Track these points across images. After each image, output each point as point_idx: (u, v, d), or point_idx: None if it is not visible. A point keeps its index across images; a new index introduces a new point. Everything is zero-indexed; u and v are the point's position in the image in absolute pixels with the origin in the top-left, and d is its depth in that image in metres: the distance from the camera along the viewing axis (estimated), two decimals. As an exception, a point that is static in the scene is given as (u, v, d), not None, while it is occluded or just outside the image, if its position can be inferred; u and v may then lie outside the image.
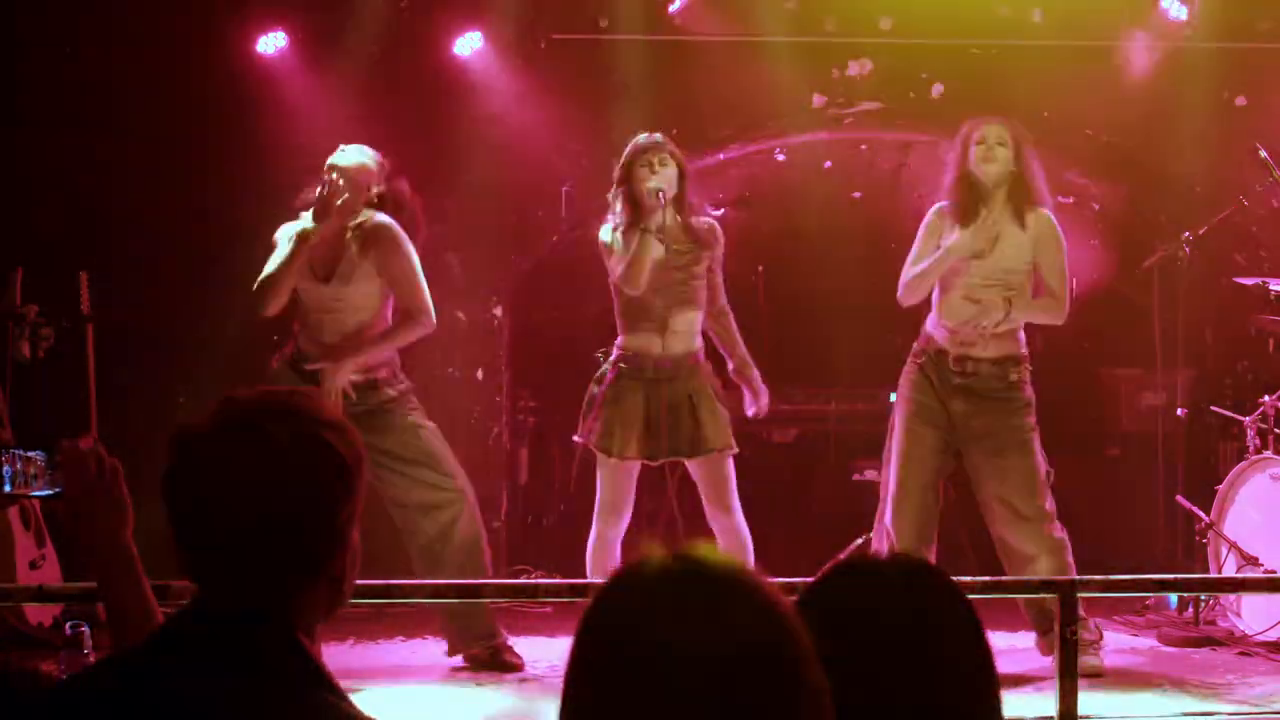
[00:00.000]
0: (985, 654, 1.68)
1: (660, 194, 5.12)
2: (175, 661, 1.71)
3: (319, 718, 1.67)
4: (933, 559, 5.35)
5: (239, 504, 1.73)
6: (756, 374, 5.44)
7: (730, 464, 5.28)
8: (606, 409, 5.21)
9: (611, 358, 5.30)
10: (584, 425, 5.28)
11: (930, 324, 5.47)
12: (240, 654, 1.70)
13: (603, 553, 5.24)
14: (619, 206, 5.28)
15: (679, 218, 5.24)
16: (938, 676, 1.64)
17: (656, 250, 5.14)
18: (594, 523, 5.30)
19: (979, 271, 5.31)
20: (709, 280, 5.36)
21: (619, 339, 5.32)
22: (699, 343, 5.32)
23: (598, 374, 5.33)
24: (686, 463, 5.31)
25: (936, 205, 5.47)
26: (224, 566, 1.75)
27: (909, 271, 5.40)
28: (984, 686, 1.67)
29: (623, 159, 5.30)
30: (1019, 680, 5.09)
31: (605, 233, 5.31)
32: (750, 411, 5.43)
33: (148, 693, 1.68)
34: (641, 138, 5.30)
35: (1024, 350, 5.40)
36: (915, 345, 5.50)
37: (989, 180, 5.32)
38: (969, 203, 5.34)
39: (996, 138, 5.32)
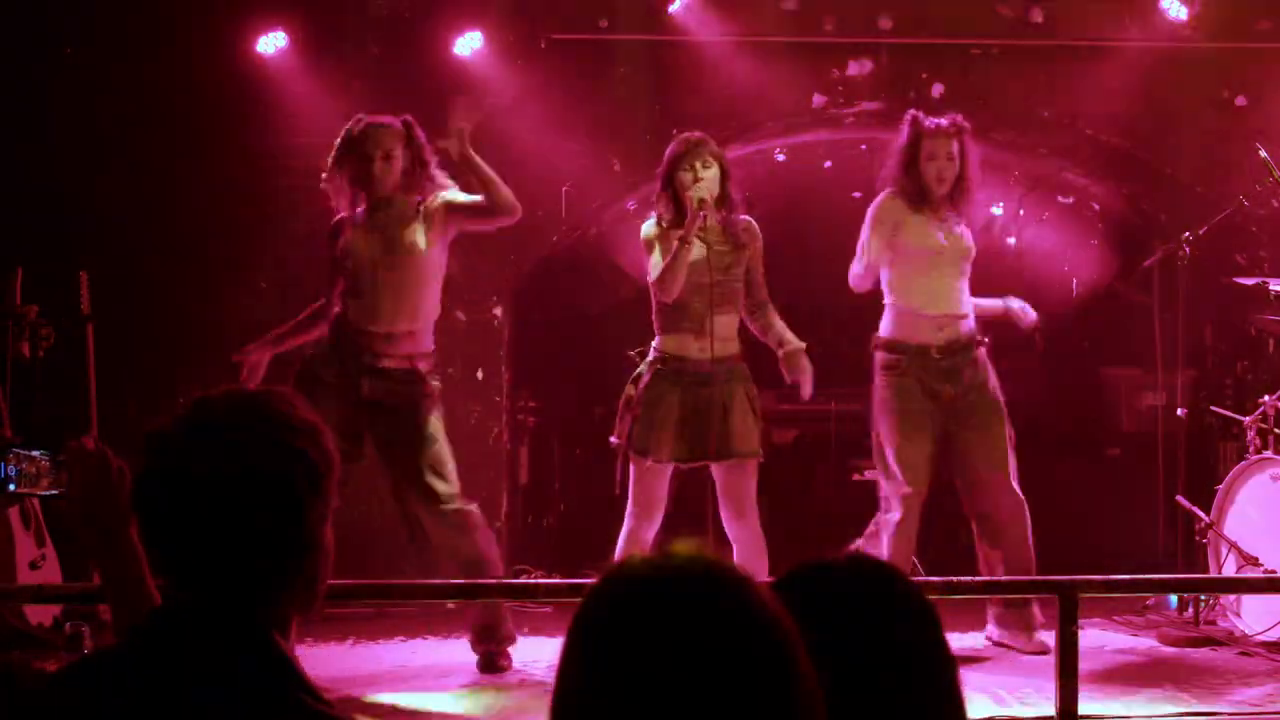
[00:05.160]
0: (945, 653, 1.66)
1: (703, 204, 5.06)
2: (147, 661, 1.71)
3: (291, 716, 1.67)
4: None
5: (206, 506, 1.73)
6: (805, 359, 5.25)
7: (753, 472, 5.22)
8: (644, 410, 5.14)
9: (649, 358, 5.23)
10: (620, 426, 5.22)
11: (895, 326, 5.51)
12: (211, 653, 1.70)
13: (634, 551, 5.18)
14: (662, 208, 5.24)
15: (720, 218, 5.19)
16: (898, 675, 1.62)
17: (696, 255, 5.12)
18: (626, 521, 5.23)
19: (948, 261, 5.47)
20: (749, 276, 5.28)
21: (656, 339, 5.26)
22: (737, 345, 5.26)
23: (634, 374, 5.25)
24: (710, 466, 5.23)
25: (887, 192, 5.53)
26: (193, 567, 1.75)
27: (860, 263, 5.51)
28: (946, 687, 1.65)
29: (665, 159, 5.25)
30: (1018, 680, 5.09)
31: (646, 229, 5.27)
32: (805, 394, 5.28)
33: (119, 693, 1.68)
34: (683, 138, 5.24)
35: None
36: (883, 356, 5.52)
37: (938, 190, 5.45)
38: (920, 195, 5.46)
39: (946, 154, 5.43)
